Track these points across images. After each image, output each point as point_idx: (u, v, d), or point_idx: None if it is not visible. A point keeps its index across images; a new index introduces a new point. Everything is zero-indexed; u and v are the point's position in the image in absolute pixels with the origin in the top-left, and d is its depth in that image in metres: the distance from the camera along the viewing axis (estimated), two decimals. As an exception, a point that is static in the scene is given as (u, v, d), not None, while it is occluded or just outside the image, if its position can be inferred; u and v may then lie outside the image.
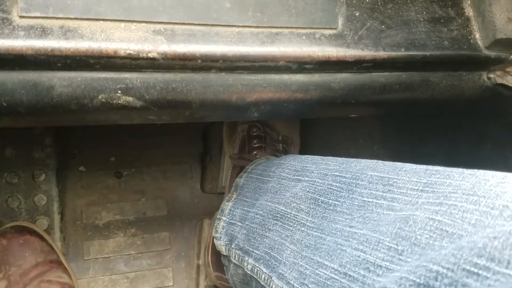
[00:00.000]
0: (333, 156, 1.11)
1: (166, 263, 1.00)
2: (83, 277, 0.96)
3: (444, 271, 0.33)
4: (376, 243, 0.43)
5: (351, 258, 0.45)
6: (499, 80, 0.65)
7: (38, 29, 0.46)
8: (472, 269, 0.31)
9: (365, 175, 0.52)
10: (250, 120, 0.92)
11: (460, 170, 0.42)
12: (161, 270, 1.00)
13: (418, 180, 0.45)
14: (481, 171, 0.40)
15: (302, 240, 0.55)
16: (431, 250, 0.37)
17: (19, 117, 0.51)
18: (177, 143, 1.05)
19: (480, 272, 0.31)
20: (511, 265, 0.29)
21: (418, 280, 0.35)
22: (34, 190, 0.93)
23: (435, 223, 0.38)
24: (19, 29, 0.46)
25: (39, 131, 0.93)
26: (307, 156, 0.69)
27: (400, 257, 0.40)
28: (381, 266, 0.41)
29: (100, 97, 0.51)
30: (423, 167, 0.47)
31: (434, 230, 0.38)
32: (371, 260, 0.42)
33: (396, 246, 0.40)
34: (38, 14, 0.46)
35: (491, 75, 0.66)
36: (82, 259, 0.97)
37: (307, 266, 0.51)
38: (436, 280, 0.33)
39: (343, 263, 0.46)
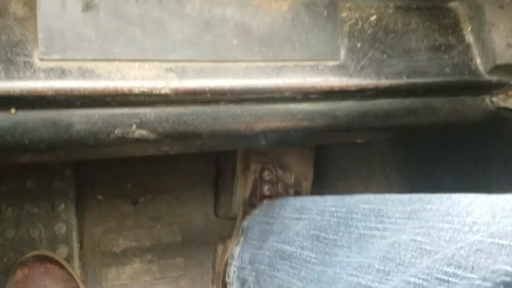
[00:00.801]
0: (343, 179, 1.14)
1: (182, 289, 1.02)
2: (102, 304, 0.98)
3: (420, 281, 0.37)
4: (367, 267, 0.47)
5: (347, 284, 0.49)
6: (502, 104, 0.67)
7: (58, 71, 0.49)
8: (443, 277, 0.35)
9: (358, 209, 0.57)
10: (263, 160, 0.95)
11: (439, 195, 0.46)
12: (177, 295, 1.01)
13: (404, 209, 0.49)
14: (457, 194, 0.44)
15: (307, 277, 0.59)
16: (413, 267, 0.41)
17: (40, 153, 0.54)
18: (190, 168, 1.07)
19: (450, 279, 0.35)
20: (475, 270, 0.33)
21: None
22: (54, 220, 0.96)
23: (416, 243, 0.42)
24: (39, 71, 0.49)
25: (59, 163, 0.96)
26: (306, 196, 0.73)
27: (387, 277, 0.44)
28: (371, 287, 0.45)
29: (116, 131, 0.54)
30: (407, 196, 0.51)
31: (415, 249, 0.42)
32: (363, 283, 0.46)
33: (384, 268, 0.44)
34: (57, 57, 0.49)
35: (494, 99, 0.67)
36: (100, 286, 0.99)
37: None
38: None
39: None
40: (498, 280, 0.31)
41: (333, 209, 0.61)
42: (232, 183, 1.06)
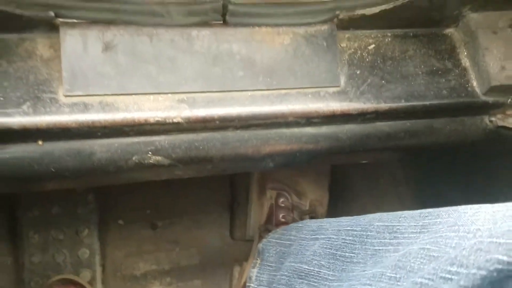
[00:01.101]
0: (357, 200, 1.16)
1: (200, 311, 1.05)
2: (123, 326, 1.01)
3: (426, 281, 0.41)
4: (380, 276, 0.50)
5: None
6: (501, 123, 0.69)
7: (81, 106, 0.54)
8: (447, 275, 0.39)
9: (372, 226, 0.59)
10: (279, 187, 0.98)
11: (447, 208, 0.49)
12: (195, 318, 1.04)
13: (416, 224, 0.53)
14: (463, 206, 0.47)
15: None
16: (421, 271, 0.44)
17: (65, 180, 0.59)
18: (206, 192, 1.12)
19: (452, 277, 0.38)
20: (475, 266, 0.36)
21: None
22: (78, 245, 1.01)
23: (425, 251, 0.45)
24: (64, 106, 0.54)
25: (82, 189, 1.02)
26: (322, 219, 0.76)
27: (398, 283, 0.47)
28: None
29: (134, 158, 0.59)
30: (418, 211, 0.55)
31: (424, 257, 0.45)
32: None
33: (395, 275, 0.48)
34: (80, 93, 0.55)
35: (493, 119, 0.70)
36: (122, 308, 1.02)
37: None
38: None
39: None
40: (491, 268, 0.35)
41: (348, 228, 0.64)
42: (246, 206, 1.10)
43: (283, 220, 0.95)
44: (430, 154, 0.94)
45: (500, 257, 0.35)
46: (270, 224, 0.96)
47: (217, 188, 1.13)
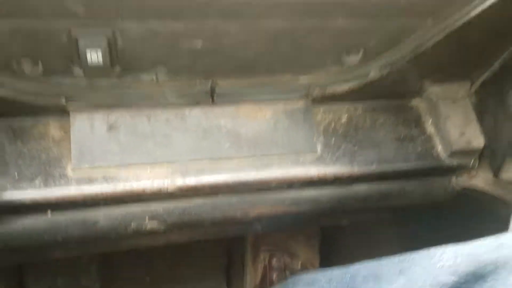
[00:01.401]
0: (350, 261, 1.20)
1: None
2: None
3: None
4: None
5: None
6: (466, 184, 0.77)
7: (86, 179, 0.62)
8: None
9: (360, 274, 0.65)
10: (271, 249, 1.04)
11: (421, 251, 0.56)
12: None
13: (394, 269, 0.59)
14: (433, 248, 0.54)
15: None
16: None
17: (70, 248, 0.65)
18: (204, 259, 1.16)
19: None
20: None
21: None
22: (81, 315, 1.04)
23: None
24: (72, 180, 0.61)
25: (86, 259, 1.06)
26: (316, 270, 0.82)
27: None
28: None
29: (132, 225, 0.65)
30: (397, 257, 0.61)
31: None
32: None
33: None
34: (86, 167, 0.62)
35: (459, 180, 0.77)
36: None
37: None
38: None
39: None
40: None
41: (339, 277, 0.69)
42: (242, 271, 1.13)
43: (276, 281, 1.00)
44: (420, 215, 0.99)
45: (450, 277, 0.45)
46: (264, 285, 1.00)
47: (215, 255, 1.17)
